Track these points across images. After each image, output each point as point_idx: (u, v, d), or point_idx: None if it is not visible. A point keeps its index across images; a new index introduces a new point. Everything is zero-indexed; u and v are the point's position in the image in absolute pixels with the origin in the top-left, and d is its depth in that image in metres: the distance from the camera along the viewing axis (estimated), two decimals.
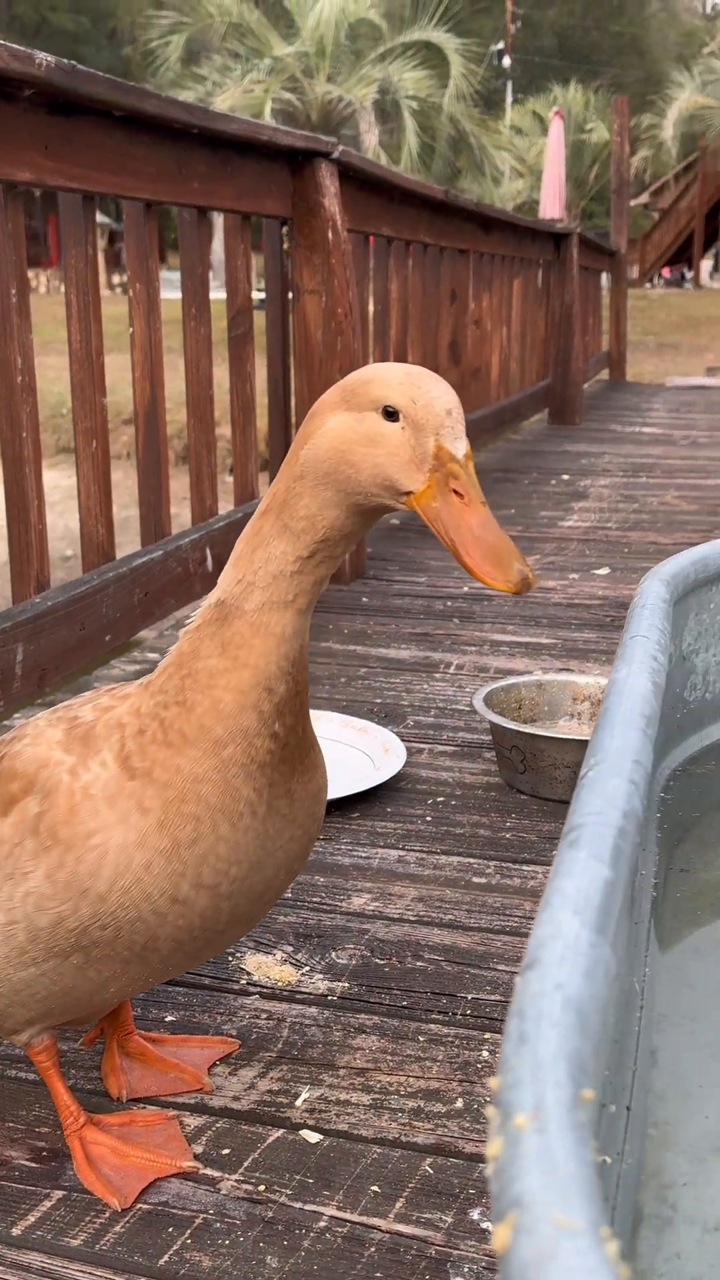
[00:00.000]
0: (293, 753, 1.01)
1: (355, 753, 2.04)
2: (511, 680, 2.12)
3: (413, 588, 3.24)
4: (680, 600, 1.39)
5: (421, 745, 2.13)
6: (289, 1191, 1.06)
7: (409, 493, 0.93)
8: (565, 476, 5.22)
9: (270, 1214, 1.04)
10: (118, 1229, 1.03)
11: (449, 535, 0.92)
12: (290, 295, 3.15)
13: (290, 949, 1.46)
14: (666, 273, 31.45)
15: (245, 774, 0.97)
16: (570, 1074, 0.47)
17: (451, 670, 2.55)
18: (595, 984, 0.54)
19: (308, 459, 0.95)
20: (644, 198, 31.15)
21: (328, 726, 2.09)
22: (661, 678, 1.02)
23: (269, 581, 0.96)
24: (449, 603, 3.08)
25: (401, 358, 4.25)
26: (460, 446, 0.92)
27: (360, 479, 0.94)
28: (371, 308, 3.91)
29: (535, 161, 23.80)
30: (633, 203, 30.38)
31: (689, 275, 30.02)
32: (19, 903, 0.98)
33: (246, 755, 0.97)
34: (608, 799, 0.73)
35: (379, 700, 2.36)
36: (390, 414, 0.93)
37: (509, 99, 30.12)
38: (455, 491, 0.92)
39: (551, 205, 14.93)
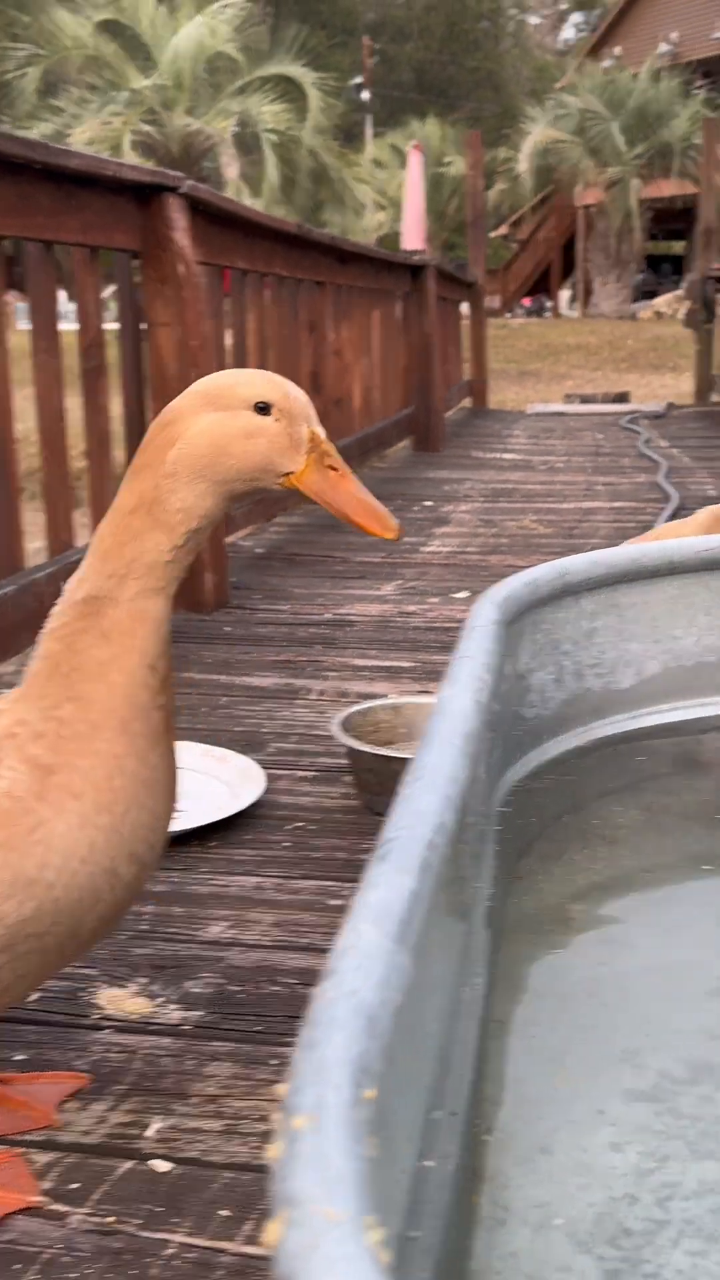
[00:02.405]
0: (171, 724, 1.11)
1: (214, 782, 2.05)
2: (368, 704, 2.15)
3: (276, 615, 3.26)
4: (515, 621, 1.44)
5: (282, 771, 2.15)
6: (138, 1221, 1.06)
7: (289, 473, 1.07)
8: (428, 503, 5.31)
9: (119, 1244, 1.04)
10: None
11: (337, 504, 1.09)
12: (144, 328, 3.16)
13: (144, 981, 1.46)
14: (527, 302, 32.21)
15: (151, 743, 1.06)
16: (353, 1076, 0.49)
17: (313, 696, 2.58)
18: (389, 991, 0.57)
19: (182, 457, 1.04)
20: (504, 229, 31.89)
21: (187, 756, 2.08)
22: (485, 696, 1.05)
23: (144, 572, 1.05)
24: (312, 629, 3.11)
25: None
26: (322, 430, 1.09)
27: (241, 467, 1.05)
28: (230, 339, 3.94)
29: (397, 194, 24.19)
30: (493, 234, 31.05)
31: (549, 305, 30.79)
32: None
33: (147, 728, 1.06)
34: (418, 814, 0.76)
35: (240, 728, 2.37)
36: (262, 409, 1.05)
37: (369, 132, 30.59)
38: (330, 467, 1.08)
39: (413, 237, 15.18)
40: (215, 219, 3.44)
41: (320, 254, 4.75)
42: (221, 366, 3.65)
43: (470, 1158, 0.94)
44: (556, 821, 1.51)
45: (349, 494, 1.09)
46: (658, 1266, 0.85)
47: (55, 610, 1.08)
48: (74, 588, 1.07)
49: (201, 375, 3.12)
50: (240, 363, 4.04)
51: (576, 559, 1.52)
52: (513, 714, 1.47)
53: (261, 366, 4.26)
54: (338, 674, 2.73)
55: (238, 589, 3.52)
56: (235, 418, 1.05)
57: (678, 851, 1.43)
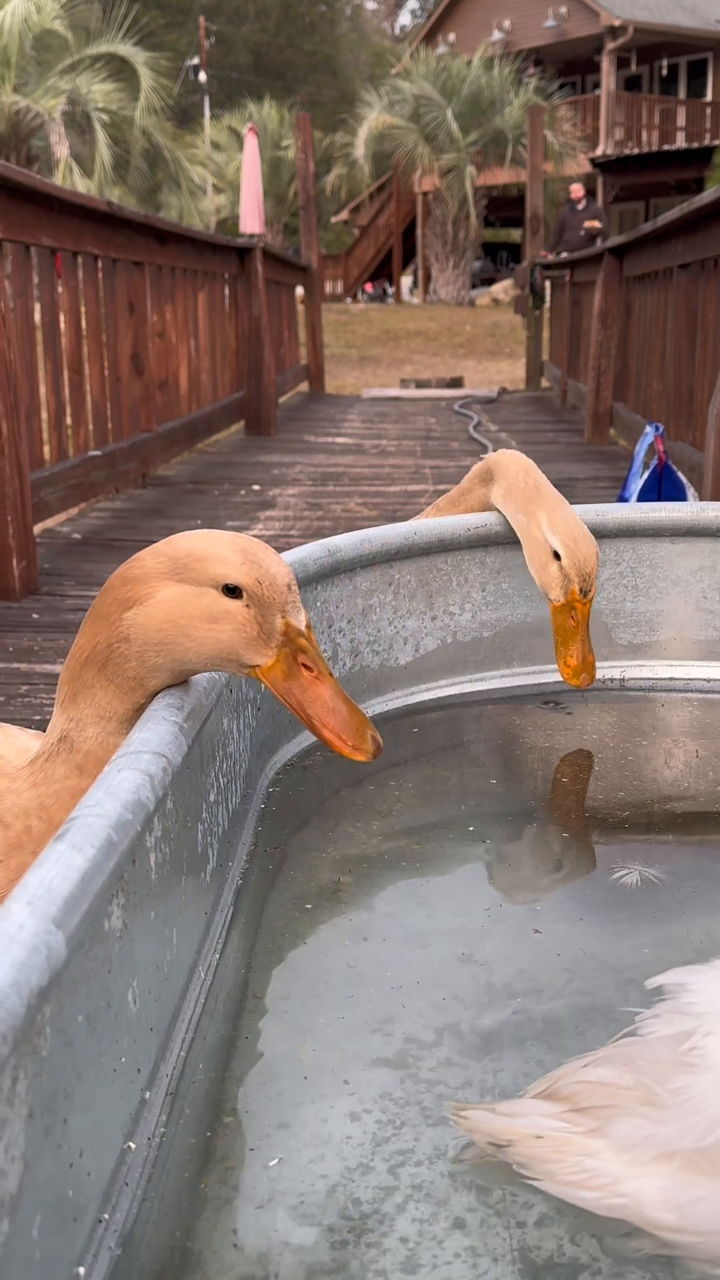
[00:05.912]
0: None
1: None
2: None
3: (87, 602, 3.19)
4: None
5: None
6: None
7: (256, 665, 0.96)
8: (256, 487, 5.28)
9: None
10: None
11: (304, 709, 0.96)
12: None
13: None
14: (370, 288, 32.36)
15: None
16: None
17: None
18: (29, 971, 0.55)
19: (136, 625, 0.94)
20: (344, 214, 31.94)
21: None
22: (223, 673, 1.04)
23: (101, 722, 0.98)
24: None
25: (77, 370, 4.19)
26: (302, 619, 0.96)
27: (201, 651, 0.95)
28: (39, 317, 3.84)
29: (235, 177, 23.97)
30: (334, 219, 31.09)
31: (391, 290, 31.00)
32: None
33: None
34: (110, 791, 0.74)
35: (38, 717, 2.31)
36: (231, 591, 0.94)
37: (206, 114, 30.23)
38: (304, 665, 0.96)
39: (251, 220, 15.04)
40: (16, 194, 3.34)
41: (134, 232, 4.67)
42: (30, 346, 3.56)
43: (206, 1139, 0.94)
44: (334, 796, 1.51)
45: (320, 700, 0.96)
46: (381, 1235, 0.85)
47: (42, 742, 1.03)
48: (49, 732, 1.02)
49: (1, 353, 3.03)
50: (52, 341, 3.94)
51: (346, 537, 1.52)
52: None
53: (76, 347, 4.17)
54: None
55: (49, 575, 3.44)
56: (200, 596, 0.94)
57: (447, 822, 1.44)
